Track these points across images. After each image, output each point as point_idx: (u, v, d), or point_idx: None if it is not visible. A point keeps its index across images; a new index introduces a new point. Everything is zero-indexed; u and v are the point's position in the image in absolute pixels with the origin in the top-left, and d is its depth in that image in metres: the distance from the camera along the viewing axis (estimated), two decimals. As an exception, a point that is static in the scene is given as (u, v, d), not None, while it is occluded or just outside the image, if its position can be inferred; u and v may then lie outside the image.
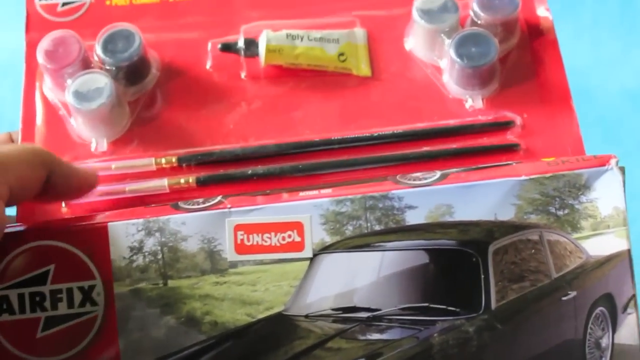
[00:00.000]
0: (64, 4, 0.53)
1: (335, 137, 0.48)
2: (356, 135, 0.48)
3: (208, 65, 0.51)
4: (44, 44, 0.50)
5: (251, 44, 0.50)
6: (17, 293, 0.42)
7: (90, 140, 0.49)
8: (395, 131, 0.48)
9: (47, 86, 0.51)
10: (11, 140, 0.51)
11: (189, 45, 0.52)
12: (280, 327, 0.41)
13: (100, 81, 0.48)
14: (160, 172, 0.48)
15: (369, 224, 0.41)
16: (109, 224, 0.42)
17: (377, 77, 0.50)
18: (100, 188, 0.48)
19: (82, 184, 0.45)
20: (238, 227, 0.42)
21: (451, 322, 0.41)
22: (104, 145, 0.49)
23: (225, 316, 0.41)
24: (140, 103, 0.50)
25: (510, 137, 0.48)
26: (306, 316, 0.42)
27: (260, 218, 0.42)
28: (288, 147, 0.48)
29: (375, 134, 0.48)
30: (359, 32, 0.51)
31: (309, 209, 0.42)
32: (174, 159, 0.48)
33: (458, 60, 0.47)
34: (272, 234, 0.42)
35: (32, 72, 0.52)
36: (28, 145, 0.46)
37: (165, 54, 0.52)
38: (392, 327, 0.41)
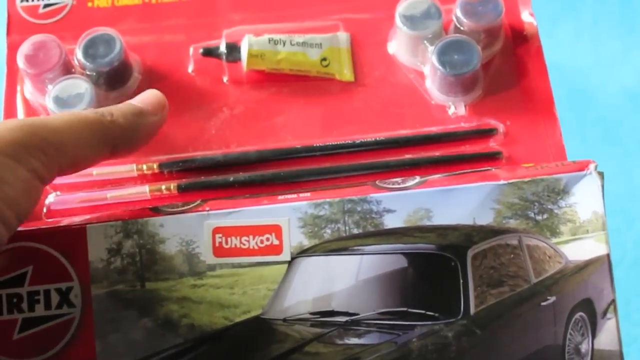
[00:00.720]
0: (45, 6, 0.53)
1: (317, 144, 0.48)
2: (338, 143, 0.48)
3: (190, 69, 0.51)
4: (24, 48, 0.49)
5: (233, 48, 0.50)
6: (-7, 294, 0.41)
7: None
8: (377, 138, 0.48)
9: (28, 90, 0.50)
10: None
11: (171, 48, 0.52)
12: (257, 330, 0.41)
13: (81, 87, 0.48)
14: (141, 178, 0.48)
15: (347, 228, 0.41)
16: (88, 226, 0.42)
17: (360, 83, 0.50)
18: (81, 194, 0.47)
19: (150, 132, 0.45)
20: (216, 230, 0.41)
21: (430, 327, 0.40)
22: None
23: (203, 319, 0.41)
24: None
25: (492, 144, 0.48)
26: (284, 320, 0.41)
27: (238, 221, 0.41)
28: (269, 154, 0.48)
29: (358, 141, 0.48)
30: (342, 36, 0.51)
31: (287, 212, 0.41)
32: (155, 166, 0.48)
33: (440, 68, 0.47)
34: (251, 237, 0.41)
35: (13, 76, 0.51)
36: (87, 117, 0.42)
37: (147, 56, 0.52)
38: (371, 332, 0.41)
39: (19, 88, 0.51)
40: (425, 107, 0.49)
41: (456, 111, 0.49)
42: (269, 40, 0.50)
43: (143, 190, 0.47)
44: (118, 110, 0.43)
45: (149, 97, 0.46)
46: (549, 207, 0.41)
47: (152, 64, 0.51)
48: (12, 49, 0.52)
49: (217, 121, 0.50)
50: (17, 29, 0.53)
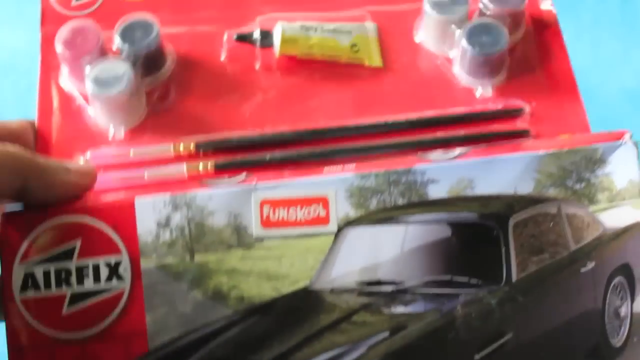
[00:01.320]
0: None
1: (351, 125, 0.49)
2: (371, 123, 0.49)
3: (222, 57, 0.52)
4: (63, 33, 0.50)
5: (267, 34, 0.51)
6: (42, 269, 0.42)
7: (107, 128, 0.50)
8: (408, 118, 0.49)
9: (64, 77, 0.51)
10: (33, 128, 0.51)
11: (203, 38, 0.53)
12: (305, 301, 0.42)
13: (119, 69, 0.49)
14: (178, 159, 0.49)
15: (392, 198, 0.42)
16: (136, 198, 0.42)
17: (388, 68, 0.52)
18: (119, 174, 0.48)
19: (69, 191, 0.44)
20: (264, 202, 0.42)
21: (473, 295, 0.42)
22: (121, 133, 0.49)
23: (252, 291, 0.42)
24: (156, 93, 0.51)
25: (520, 124, 0.50)
26: (331, 290, 0.42)
27: (285, 193, 0.42)
28: (305, 134, 0.49)
29: (390, 122, 0.49)
30: (370, 26, 0.53)
31: (334, 184, 0.42)
32: (192, 145, 0.49)
33: (470, 48, 0.49)
34: (298, 208, 0.42)
35: (47, 65, 0.52)
36: (8, 146, 0.42)
37: (180, 46, 0.53)
38: (416, 300, 0.42)
39: (53, 77, 0.51)
40: (453, 90, 0.51)
41: (484, 93, 0.50)
42: (301, 27, 0.51)
43: (180, 169, 0.48)
44: (43, 156, 0.43)
45: (80, 164, 0.47)
46: (587, 176, 0.43)
47: (185, 52, 0.52)
48: (46, 39, 0.52)
49: (251, 105, 0.50)
50: (51, 20, 0.53)
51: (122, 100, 0.49)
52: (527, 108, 0.50)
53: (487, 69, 0.49)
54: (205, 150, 0.49)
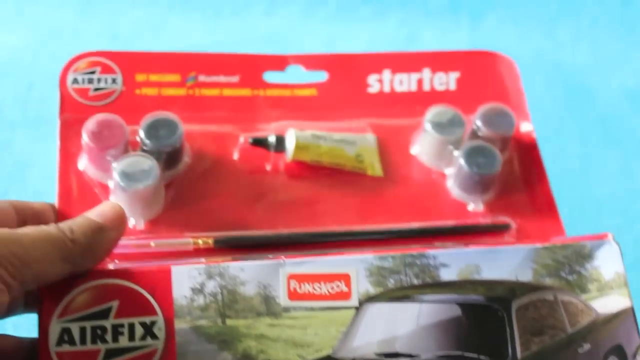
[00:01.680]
0: (95, 89, 0.57)
1: (357, 230, 0.54)
2: (374, 229, 0.54)
3: (235, 156, 0.57)
4: (90, 124, 0.54)
5: (281, 140, 0.56)
6: (79, 326, 0.44)
7: (128, 218, 0.52)
8: (410, 227, 0.54)
9: (84, 164, 0.54)
10: (54, 210, 0.53)
11: (215, 136, 0.57)
12: (327, 369, 0.45)
13: (146, 163, 0.52)
14: (196, 252, 0.52)
15: (408, 278, 0.47)
16: (173, 267, 0.45)
17: (388, 178, 0.57)
18: (140, 264, 0.50)
19: (109, 250, 0.46)
20: (291, 277, 0.46)
21: (482, 370, 0.45)
22: (141, 224, 0.53)
23: (279, 356, 0.44)
24: (173, 187, 0.55)
25: (507, 239, 0.55)
26: (352, 359, 0.45)
27: (311, 269, 0.46)
28: (317, 235, 0.54)
29: (393, 229, 0.54)
30: (370, 137, 0.58)
31: (355, 263, 0.47)
32: (210, 241, 0.52)
33: (467, 167, 0.55)
34: (322, 283, 0.46)
35: (67, 151, 0.55)
36: (51, 234, 0.44)
37: (194, 143, 0.57)
38: (430, 373, 0.45)
39: (72, 166, 0.54)
40: (446, 203, 0.56)
41: (475, 208, 0.56)
42: (312, 136, 0.56)
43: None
44: (78, 227, 0.45)
45: (107, 211, 0.47)
46: (578, 268, 0.48)
47: (199, 148, 0.57)
48: (64, 126, 0.56)
49: (264, 204, 0.55)
50: (69, 108, 0.56)
51: (147, 193, 0.52)
52: (513, 225, 0.56)
53: (480, 186, 0.55)
54: (223, 246, 0.52)
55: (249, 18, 0.97)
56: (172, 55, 0.59)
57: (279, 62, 0.60)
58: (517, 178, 0.58)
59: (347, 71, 0.61)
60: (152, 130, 0.55)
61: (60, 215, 0.52)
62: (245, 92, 0.59)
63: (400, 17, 0.98)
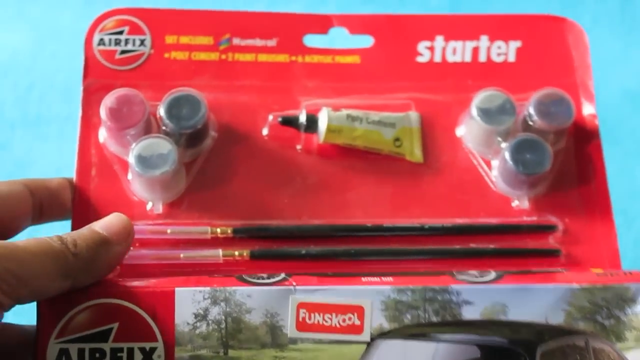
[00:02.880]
0: (122, 52, 0.54)
1: (386, 225, 0.50)
2: (407, 225, 0.50)
3: (265, 132, 0.53)
4: (108, 101, 0.50)
5: (312, 121, 0.52)
6: (77, 347, 0.42)
7: (145, 200, 0.50)
8: (444, 225, 0.50)
9: (103, 137, 0.52)
10: (71, 186, 0.51)
11: (245, 109, 0.53)
12: (332, 406, 0.43)
13: (164, 147, 0.49)
14: (214, 241, 0.50)
15: (427, 315, 0.43)
16: (176, 289, 0.43)
17: (428, 165, 0.52)
18: (155, 252, 0.49)
19: (113, 265, 0.45)
20: (301, 305, 0.43)
21: (497, 418, 0.43)
22: (159, 208, 0.50)
23: (281, 391, 0.43)
24: (196, 165, 0.52)
25: (552, 241, 0.51)
26: (359, 399, 0.43)
27: (323, 298, 0.43)
28: (341, 230, 0.50)
29: (426, 226, 0.50)
30: (413, 116, 0.53)
31: (371, 295, 0.43)
32: (229, 230, 0.49)
33: (513, 166, 0.50)
34: (333, 314, 0.43)
35: (88, 121, 0.52)
36: (52, 248, 0.42)
37: (222, 116, 0.53)
38: (441, 417, 0.43)
39: (93, 138, 0.52)
40: (489, 197, 0.52)
41: (520, 204, 0.51)
42: (347, 117, 0.52)
43: (216, 254, 0.49)
44: (82, 240, 0.43)
45: (114, 224, 0.45)
46: (617, 313, 0.44)
47: (227, 123, 0.53)
48: (87, 92, 0.53)
49: (290, 190, 0.51)
50: (94, 72, 0.53)
51: (165, 179, 0.49)
52: (560, 226, 0.51)
53: (526, 185, 0.50)
54: (242, 236, 0.50)
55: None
56: (206, 13, 0.55)
57: (322, 23, 0.55)
58: (570, 171, 0.52)
59: (395, 36, 0.55)
60: (174, 109, 0.51)
61: (77, 192, 0.50)
62: (282, 57, 0.54)
63: None
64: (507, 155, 0.50)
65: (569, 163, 0.52)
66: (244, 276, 0.45)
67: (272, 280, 0.44)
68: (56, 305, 0.43)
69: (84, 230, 0.44)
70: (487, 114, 0.51)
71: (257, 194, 0.51)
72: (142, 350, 0.43)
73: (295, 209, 0.51)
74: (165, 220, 0.50)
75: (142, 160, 0.49)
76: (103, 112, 0.50)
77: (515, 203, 0.51)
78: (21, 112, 0.89)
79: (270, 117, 0.53)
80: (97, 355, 0.42)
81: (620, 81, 0.91)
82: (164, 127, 0.51)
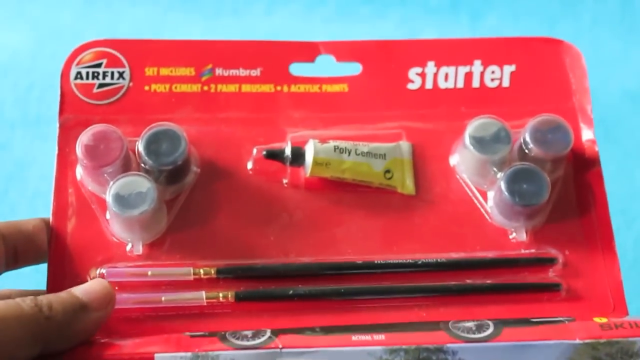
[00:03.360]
0: (100, 86, 0.51)
1: (378, 262, 0.48)
2: (398, 261, 0.48)
3: (249, 166, 0.50)
4: (84, 138, 0.48)
5: (297, 154, 0.49)
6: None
7: (125, 241, 0.48)
8: (438, 260, 0.48)
9: (80, 175, 0.49)
10: (48, 227, 0.48)
11: (229, 142, 0.51)
12: None
13: (143, 185, 0.47)
14: (197, 282, 0.47)
15: (421, 377, 0.41)
16: (156, 355, 0.41)
17: (421, 197, 0.50)
18: (135, 295, 0.47)
19: (90, 333, 0.42)
20: (288, 370, 0.41)
21: None
22: (139, 249, 0.48)
23: None
24: (178, 203, 0.49)
25: (551, 274, 0.48)
26: None
27: (311, 361, 0.41)
28: (330, 268, 0.48)
29: (420, 262, 0.48)
30: (405, 146, 0.51)
31: (362, 357, 0.41)
32: (212, 271, 0.47)
33: (509, 197, 0.47)
34: (323, 379, 0.41)
35: (64, 157, 0.50)
36: (22, 312, 0.39)
37: (205, 150, 0.51)
38: None
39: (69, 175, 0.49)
40: (485, 229, 0.49)
41: (517, 237, 0.49)
42: (335, 149, 0.49)
43: (199, 297, 0.47)
44: (58, 303, 0.41)
45: (95, 290, 0.43)
46: (623, 369, 0.42)
47: (210, 157, 0.50)
48: (64, 129, 0.50)
49: (277, 227, 0.49)
50: (71, 108, 0.51)
51: (144, 219, 0.47)
52: (560, 258, 0.49)
53: (523, 216, 0.48)
54: (226, 277, 0.47)
55: (249, 18, 0.97)
56: (187, 43, 0.52)
57: (308, 51, 0.52)
58: (570, 201, 0.50)
59: (384, 63, 0.52)
60: (153, 144, 0.48)
61: (53, 234, 0.48)
62: (267, 87, 0.52)
63: (400, 17, 0.96)
64: (502, 185, 0.48)
65: (568, 192, 0.50)
66: (227, 335, 0.42)
67: (257, 341, 0.42)
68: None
69: (63, 294, 0.42)
70: (481, 143, 0.49)
71: (242, 231, 0.49)
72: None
73: (282, 246, 0.48)
74: (146, 261, 0.48)
75: (120, 199, 0.47)
76: (79, 150, 0.48)
77: (512, 235, 0.49)
78: (21, 112, 0.89)
79: (255, 151, 0.50)
80: None
81: (620, 81, 0.90)
82: (143, 164, 0.48)
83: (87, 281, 0.45)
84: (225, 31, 0.94)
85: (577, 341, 0.42)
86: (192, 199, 0.49)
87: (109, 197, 0.47)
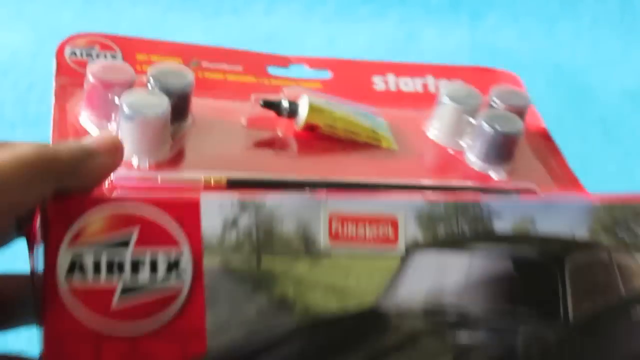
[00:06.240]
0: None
1: (382, 182, 0.49)
2: (402, 183, 0.49)
3: (243, 121, 0.52)
4: (94, 66, 0.49)
5: (294, 105, 0.52)
6: (92, 256, 0.37)
7: (131, 159, 0.47)
8: (436, 184, 0.50)
9: (83, 118, 0.49)
10: None
11: (222, 108, 0.53)
12: (371, 320, 0.40)
13: (155, 97, 0.48)
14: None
15: (459, 227, 0.42)
16: (202, 195, 0.40)
17: (404, 153, 0.53)
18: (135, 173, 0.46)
19: (100, 178, 0.40)
20: (333, 216, 0.41)
21: (533, 329, 0.41)
22: (145, 165, 0.47)
23: (317, 303, 0.39)
24: (179, 137, 0.50)
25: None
26: (397, 312, 0.40)
27: (356, 210, 0.41)
28: (335, 184, 0.48)
29: (419, 185, 0.49)
30: (381, 120, 0.55)
31: (403, 207, 0.42)
32: (223, 179, 0.46)
33: (490, 128, 0.51)
34: (367, 226, 0.41)
35: (62, 109, 0.51)
36: (27, 154, 0.37)
37: (199, 111, 0.52)
38: (478, 329, 0.41)
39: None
40: (469, 175, 0.52)
41: (499, 177, 0.52)
42: (326, 102, 0.52)
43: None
44: (64, 146, 0.40)
45: (102, 138, 0.41)
46: (637, 229, 0.45)
47: (206, 114, 0.52)
48: (60, 88, 0.52)
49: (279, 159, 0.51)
50: (67, 73, 0.53)
51: (155, 125, 0.47)
52: (539, 191, 0.52)
53: (502, 151, 0.52)
54: (236, 186, 0.46)
55: (249, 17, 0.98)
56: (173, 44, 0.56)
57: (282, 61, 0.58)
58: (532, 152, 0.55)
59: (351, 72, 0.59)
60: (161, 76, 0.49)
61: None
62: (249, 78, 0.56)
63: (400, 16, 0.98)
64: (482, 122, 0.52)
65: (530, 144, 0.55)
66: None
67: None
68: (66, 209, 0.38)
69: (69, 142, 0.41)
70: (456, 96, 0.54)
71: (244, 158, 0.50)
72: (166, 259, 0.38)
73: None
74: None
75: (134, 104, 0.47)
76: (90, 73, 0.48)
77: (494, 176, 0.52)
78: (21, 112, 0.87)
79: (253, 98, 0.52)
80: (116, 265, 0.37)
81: (620, 81, 0.90)
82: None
83: None
84: (225, 31, 0.94)
85: (597, 203, 0.45)
86: (192, 136, 0.50)
87: (122, 103, 0.47)
